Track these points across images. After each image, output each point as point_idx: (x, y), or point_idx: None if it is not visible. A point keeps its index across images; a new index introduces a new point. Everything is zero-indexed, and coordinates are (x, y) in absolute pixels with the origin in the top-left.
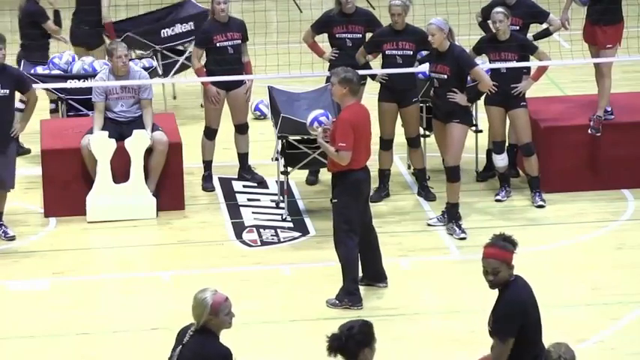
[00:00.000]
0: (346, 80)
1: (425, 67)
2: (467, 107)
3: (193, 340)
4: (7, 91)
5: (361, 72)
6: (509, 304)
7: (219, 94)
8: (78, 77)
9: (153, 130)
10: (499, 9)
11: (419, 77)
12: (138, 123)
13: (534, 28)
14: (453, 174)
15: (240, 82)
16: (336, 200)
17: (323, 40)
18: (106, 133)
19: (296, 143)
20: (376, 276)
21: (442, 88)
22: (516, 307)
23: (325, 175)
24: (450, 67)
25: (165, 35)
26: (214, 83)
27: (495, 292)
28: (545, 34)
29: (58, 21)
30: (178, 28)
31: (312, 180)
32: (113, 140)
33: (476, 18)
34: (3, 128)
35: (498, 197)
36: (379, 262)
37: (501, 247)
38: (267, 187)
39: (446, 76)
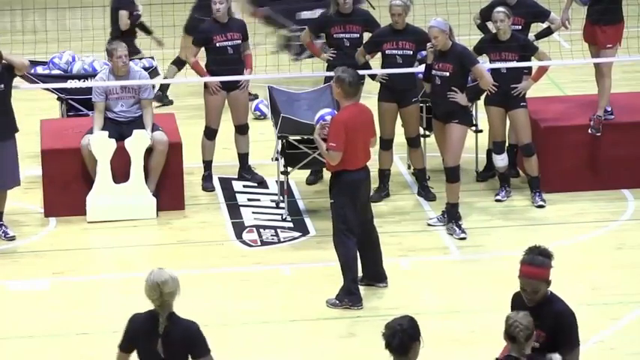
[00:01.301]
0: (338, 79)
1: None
2: (466, 107)
3: (172, 327)
4: (2, 85)
5: (361, 72)
6: (570, 316)
7: (219, 87)
8: (78, 77)
9: (153, 130)
10: (500, 8)
11: (419, 77)
12: (138, 123)
13: (535, 28)
14: (452, 174)
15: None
16: (333, 201)
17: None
18: (106, 133)
19: (296, 143)
20: (376, 276)
21: (443, 86)
22: (574, 316)
23: (326, 174)
24: (453, 65)
25: (303, 17)
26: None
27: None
28: (547, 33)
29: (140, 26)
30: (319, 12)
31: (312, 180)
32: (113, 140)
33: (474, 20)
34: (1, 124)
35: (498, 197)
36: (380, 262)
37: (540, 266)
38: (267, 187)
39: (448, 74)
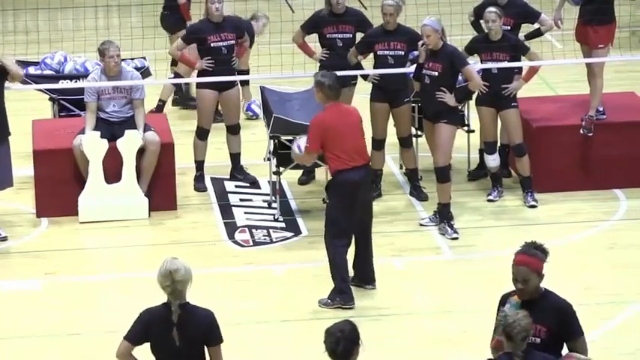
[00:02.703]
0: (318, 84)
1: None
2: (455, 107)
3: (187, 315)
4: None
5: (353, 72)
6: (570, 308)
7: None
8: (70, 77)
9: (145, 131)
10: (492, 9)
11: (409, 77)
12: (130, 123)
13: (525, 28)
14: (442, 175)
15: (232, 83)
16: (327, 201)
17: (315, 41)
18: (98, 133)
19: (288, 143)
20: (365, 278)
21: (432, 85)
22: (572, 307)
23: (318, 174)
24: (442, 65)
25: None
26: (206, 84)
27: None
28: (537, 34)
29: None
30: None
31: (304, 180)
32: (105, 140)
33: (468, 18)
34: None
35: (490, 197)
36: (370, 265)
37: (532, 255)
38: (259, 188)
39: (437, 74)
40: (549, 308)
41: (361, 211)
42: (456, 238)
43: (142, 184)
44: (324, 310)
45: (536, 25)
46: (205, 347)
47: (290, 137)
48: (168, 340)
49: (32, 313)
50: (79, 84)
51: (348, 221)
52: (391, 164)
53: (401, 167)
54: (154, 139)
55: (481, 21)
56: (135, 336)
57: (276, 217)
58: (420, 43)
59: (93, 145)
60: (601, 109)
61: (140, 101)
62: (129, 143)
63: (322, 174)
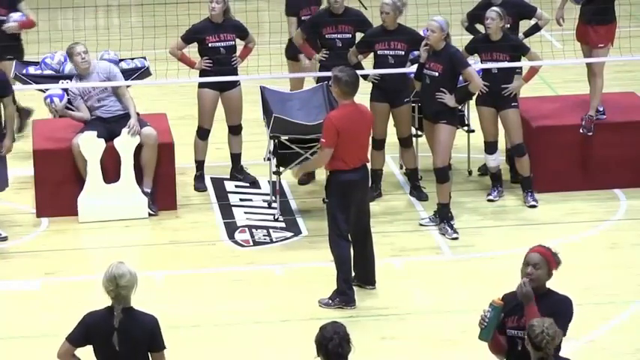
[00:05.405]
0: (335, 79)
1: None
2: (454, 108)
3: (129, 321)
4: None
5: None
6: (570, 306)
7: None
8: (70, 77)
9: (142, 126)
10: (494, 8)
11: (410, 77)
12: (126, 120)
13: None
14: (441, 175)
15: (234, 84)
16: (327, 200)
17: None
18: (95, 133)
19: (288, 143)
20: (365, 280)
21: (432, 85)
22: (572, 308)
23: (318, 174)
24: (443, 66)
25: None
26: (207, 84)
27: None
28: (535, 29)
29: None
30: None
31: (304, 180)
32: (102, 140)
33: (462, 24)
34: None
35: (490, 197)
36: (371, 267)
37: (548, 249)
38: (259, 187)
39: (437, 74)
40: (552, 301)
41: (359, 211)
42: (456, 238)
43: (146, 180)
44: (324, 310)
45: (533, 21)
46: (149, 354)
47: (290, 137)
48: (109, 344)
49: (32, 313)
50: (69, 84)
51: (346, 220)
52: (391, 164)
53: (401, 167)
54: (151, 133)
55: (477, 25)
56: (76, 338)
57: (276, 217)
58: (423, 42)
59: (90, 146)
60: (601, 109)
61: (123, 88)
62: (126, 142)
63: (322, 174)
